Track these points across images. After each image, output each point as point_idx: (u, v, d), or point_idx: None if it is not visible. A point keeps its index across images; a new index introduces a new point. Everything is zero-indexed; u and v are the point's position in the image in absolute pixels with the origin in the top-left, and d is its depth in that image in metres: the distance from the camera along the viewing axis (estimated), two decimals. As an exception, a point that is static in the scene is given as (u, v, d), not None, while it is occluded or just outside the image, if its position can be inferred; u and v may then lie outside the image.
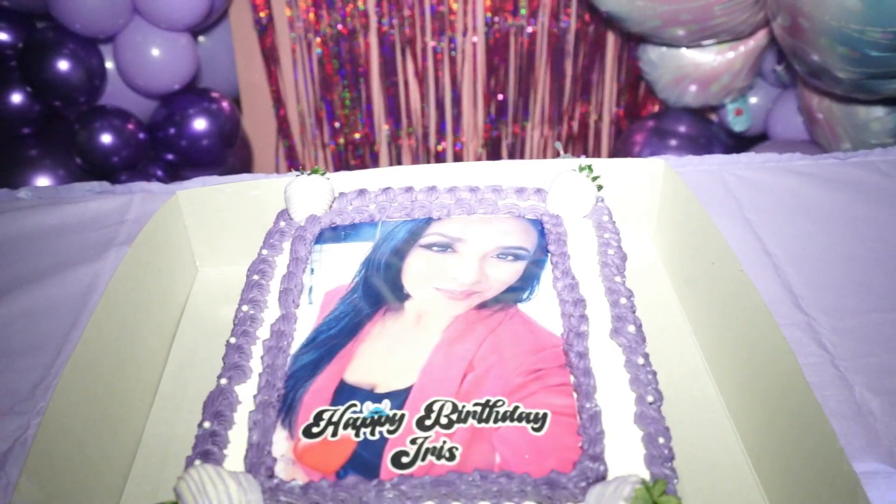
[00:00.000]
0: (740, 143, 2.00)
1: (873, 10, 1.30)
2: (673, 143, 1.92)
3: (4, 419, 0.80)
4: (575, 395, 0.64)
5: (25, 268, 1.02)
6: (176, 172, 1.74)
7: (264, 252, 0.82)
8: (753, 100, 2.02)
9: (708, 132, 1.96)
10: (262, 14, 1.90)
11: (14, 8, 1.61)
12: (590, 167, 0.86)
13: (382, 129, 2.10)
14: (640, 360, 0.67)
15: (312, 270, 0.79)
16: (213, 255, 1.01)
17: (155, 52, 1.61)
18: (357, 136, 2.09)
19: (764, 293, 0.77)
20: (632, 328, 0.70)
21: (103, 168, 1.62)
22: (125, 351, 0.80)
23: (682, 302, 0.91)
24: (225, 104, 1.77)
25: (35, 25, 1.66)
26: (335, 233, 0.84)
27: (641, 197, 0.98)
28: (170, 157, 1.74)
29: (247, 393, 0.67)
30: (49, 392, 0.83)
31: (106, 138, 1.63)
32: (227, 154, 1.80)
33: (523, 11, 1.96)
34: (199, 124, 1.72)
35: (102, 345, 0.76)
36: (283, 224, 0.86)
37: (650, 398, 0.64)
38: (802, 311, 0.91)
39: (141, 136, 1.68)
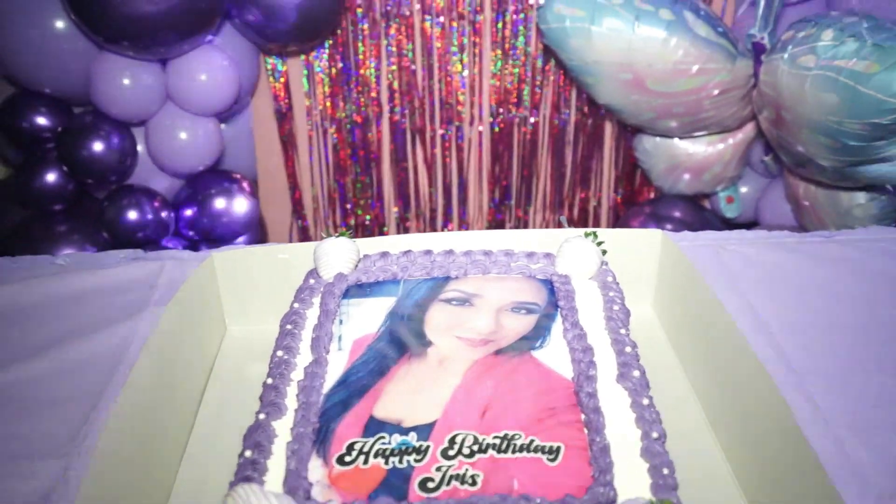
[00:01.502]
0: (732, 229, 2.10)
1: (849, 103, 1.41)
2: (668, 227, 2.01)
3: (46, 461, 0.85)
4: (586, 430, 0.70)
5: (65, 325, 1.08)
6: (195, 249, 1.82)
7: (296, 305, 0.89)
8: (744, 189, 2.13)
9: (701, 218, 2.06)
10: (282, 103, 2.03)
11: (55, 95, 1.73)
12: (595, 233, 0.95)
13: (392, 211, 2.21)
14: (645, 401, 0.73)
15: (341, 321, 0.86)
16: (241, 314, 1.08)
17: (183, 135, 1.73)
18: (368, 217, 2.20)
19: (758, 354, 0.84)
20: (637, 373, 0.76)
21: (128, 243, 1.71)
22: (161, 400, 0.86)
23: (680, 360, 0.98)
24: (245, 185, 1.87)
25: (72, 111, 1.78)
26: (361, 289, 0.91)
27: (641, 265, 1.06)
28: (190, 233, 1.83)
29: (283, 428, 0.73)
30: (89, 437, 0.88)
31: (132, 215, 1.73)
32: (244, 233, 1.89)
33: (526, 103, 2.09)
34: (220, 203, 1.82)
35: (140, 396, 0.82)
36: (312, 281, 0.94)
37: (655, 434, 0.70)
38: (794, 372, 0.97)
39: (165, 213, 1.77)
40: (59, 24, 1.66)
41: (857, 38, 1.41)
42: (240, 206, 1.81)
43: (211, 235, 1.80)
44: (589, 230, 0.95)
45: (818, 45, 1.47)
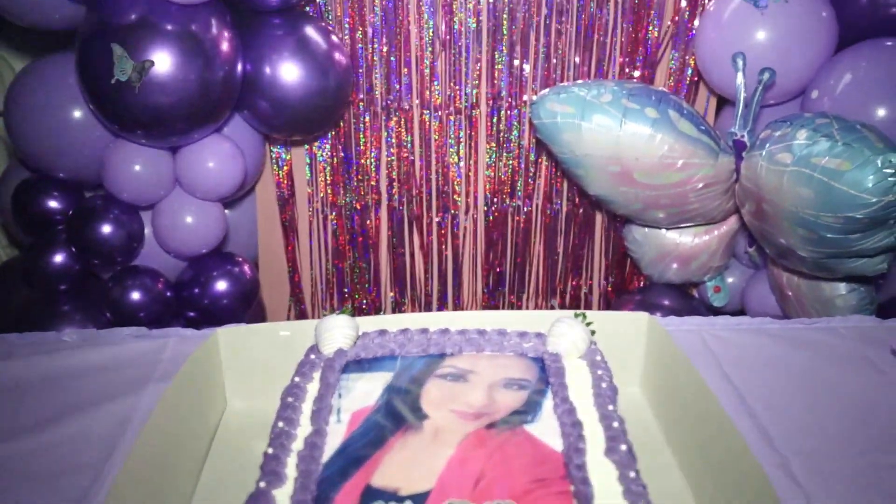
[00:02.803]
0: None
1: (825, 197, 1.49)
2: (658, 315, 2.05)
3: (48, 530, 0.87)
4: (575, 500, 0.73)
5: (69, 400, 1.11)
6: (196, 329, 1.86)
7: (297, 379, 0.93)
8: (730, 279, 2.19)
9: (690, 306, 2.11)
10: (284, 190, 2.11)
11: (68, 179, 1.81)
12: (584, 314, 1.00)
13: (388, 296, 2.26)
14: (632, 474, 0.77)
15: (340, 395, 0.89)
16: (242, 390, 1.11)
17: (189, 219, 1.79)
18: (364, 301, 2.25)
19: (742, 434, 0.87)
20: (624, 447, 0.80)
21: (130, 323, 1.74)
22: (161, 474, 0.88)
23: (667, 438, 1.01)
24: (246, 268, 1.93)
25: (83, 194, 1.86)
26: (359, 365, 0.95)
27: (629, 347, 1.10)
28: (191, 314, 1.87)
29: (283, 496, 0.75)
30: (89, 509, 0.90)
31: (136, 295, 1.77)
32: (244, 314, 1.93)
33: (520, 193, 2.18)
34: (221, 285, 1.87)
35: (141, 470, 0.84)
36: (313, 357, 0.98)
37: (641, 505, 0.73)
38: (778, 452, 1.00)
39: (168, 294, 1.82)
40: (77, 113, 1.75)
41: (829, 138, 1.50)
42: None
43: (211, 316, 1.84)
44: (578, 311, 1.00)
45: (794, 143, 1.56)
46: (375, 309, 2.26)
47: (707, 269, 2.10)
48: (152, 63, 1.56)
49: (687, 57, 2.05)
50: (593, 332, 0.99)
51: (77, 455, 1.00)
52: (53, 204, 1.80)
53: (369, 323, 1.05)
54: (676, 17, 2.02)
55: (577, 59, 2.06)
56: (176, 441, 0.95)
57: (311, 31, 1.81)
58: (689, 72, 2.07)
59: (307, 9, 1.94)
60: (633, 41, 2.04)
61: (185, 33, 1.59)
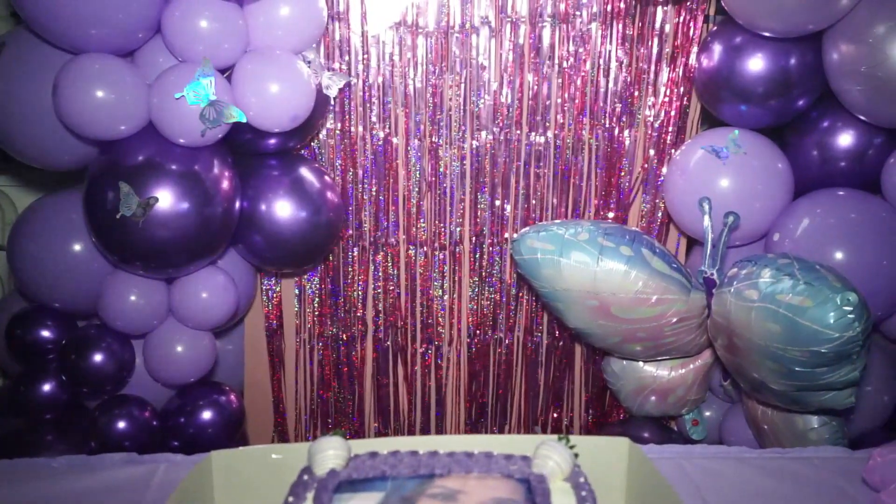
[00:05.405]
0: (699, 450, 2.17)
1: (790, 332, 1.57)
2: (639, 447, 2.09)
3: None
4: None
5: (58, 524, 1.12)
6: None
7: (290, 499, 0.96)
8: (708, 412, 2.24)
9: (669, 439, 2.14)
10: (273, 321, 2.17)
11: (64, 309, 1.86)
12: (567, 438, 1.04)
13: (371, 426, 2.27)
14: (616, 592, 0.79)
15: (334, 515, 0.92)
16: (232, 514, 1.12)
17: (180, 348, 1.83)
18: (347, 432, 2.25)
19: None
20: (608, 566, 0.83)
21: (115, 451, 1.74)
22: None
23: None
24: (233, 398, 1.95)
25: (76, 324, 1.90)
26: (352, 485, 0.98)
27: (611, 471, 1.14)
28: (175, 443, 1.86)
29: None
30: None
31: (122, 425, 1.78)
32: (228, 444, 1.93)
33: (501, 326, 2.25)
34: (207, 415, 1.88)
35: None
36: (306, 477, 1.01)
37: None
38: (758, 578, 1.03)
39: (154, 423, 1.83)
40: (77, 247, 1.82)
41: (792, 277, 1.60)
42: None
43: (196, 445, 1.84)
44: (562, 435, 1.05)
45: (759, 281, 1.66)
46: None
47: (684, 402, 2.14)
48: (156, 199, 1.65)
49: (657, 200, 2.20)
50: (576, 455, 1.04)
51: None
52: (46, 334, 1.84)
53: (360, 445, 1.09)
54: (646, 165, 2.19)
55: (555, 201, 2.20)
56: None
57: (305, 172, 1.94)
58: (660, 214, 2.21)
59: (303, 151, 2.07)
60: (607, 185, 2.19)
61: (188, 173, 1.69)
